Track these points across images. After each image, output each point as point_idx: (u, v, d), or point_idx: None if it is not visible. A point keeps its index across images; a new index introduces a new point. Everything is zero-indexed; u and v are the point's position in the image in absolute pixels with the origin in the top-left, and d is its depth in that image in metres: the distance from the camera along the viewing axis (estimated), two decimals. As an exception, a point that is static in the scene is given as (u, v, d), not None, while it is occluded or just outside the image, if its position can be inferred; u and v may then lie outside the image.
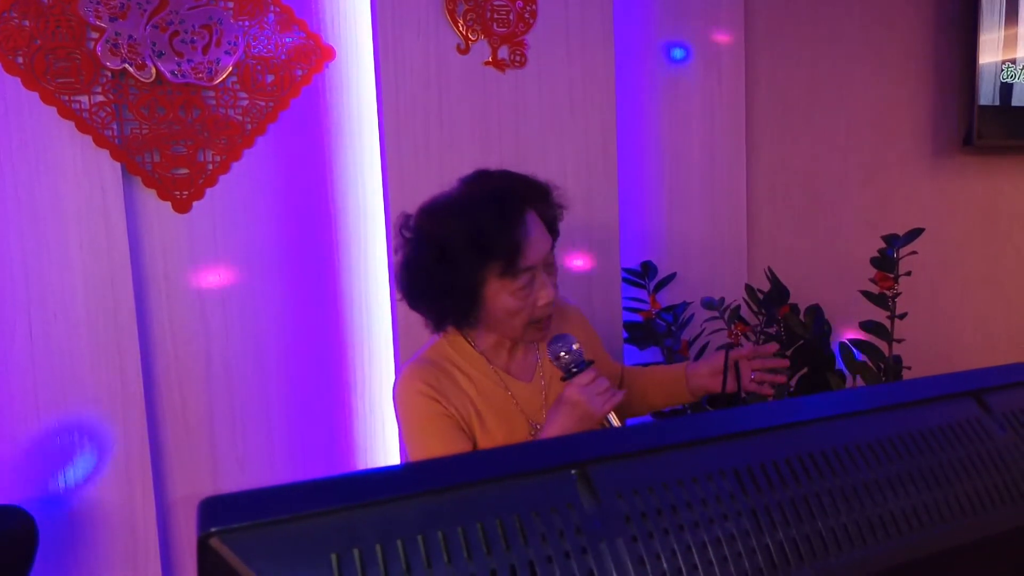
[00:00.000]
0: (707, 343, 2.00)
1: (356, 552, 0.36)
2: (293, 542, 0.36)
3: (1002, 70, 2.58)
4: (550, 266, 1.34)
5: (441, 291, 1.29)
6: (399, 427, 1.35)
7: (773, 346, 1.43)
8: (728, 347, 1.39)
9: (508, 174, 1.37)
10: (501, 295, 1.29)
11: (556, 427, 1.27)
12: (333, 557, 0.36)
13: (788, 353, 1.91)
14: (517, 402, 1.37)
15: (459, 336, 1.38)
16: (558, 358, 1.28)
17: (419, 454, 1.33)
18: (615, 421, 1.28)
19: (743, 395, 1.40)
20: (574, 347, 1.28)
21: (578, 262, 2.02)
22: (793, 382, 1.94)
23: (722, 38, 2.19)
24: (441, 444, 1.30)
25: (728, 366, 1.40)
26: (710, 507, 0.45)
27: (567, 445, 0.45)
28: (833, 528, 0.47)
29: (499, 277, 1.27)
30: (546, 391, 1.41)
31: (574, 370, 1.27)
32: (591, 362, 1.28)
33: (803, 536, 0.46)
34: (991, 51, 2.56)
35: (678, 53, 2.17)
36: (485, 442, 1.34)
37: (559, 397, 1.28)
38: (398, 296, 1.36)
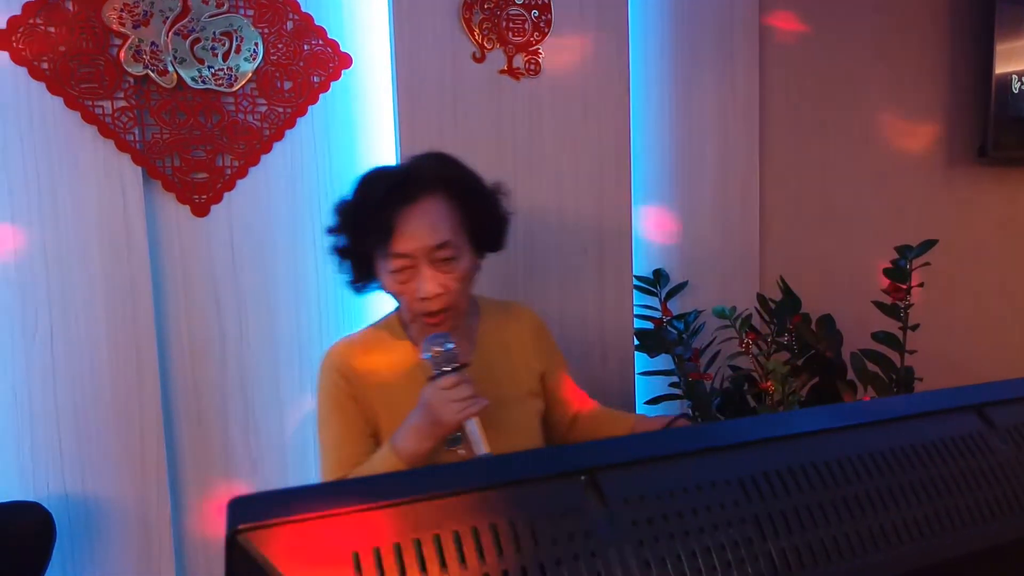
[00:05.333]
0: (718, 351, 2.00)
1: (374, 551, 0.38)
2: (316, 540, 0.38)
3: (1019, 80, 2.57)
4: (444, 262, 1.25)
5: (343, 254, 1.35)
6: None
7: None
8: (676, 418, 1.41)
9: (439, 158, 1.33)
10: (383, 273, 1.29)
11: (407, 428, 1.22)
12: (353, 555, 0.38)
13: (799, 363, 1.91)
14: None
15: (396, 320, 1.41)
16: (430, 354, 1.19)
17: (321, 431, 1.36)
18: (480, 433, 1.18)
19: None
20: (448, 347, 1.19)
21: (591, 269, 2.03)
22: (804, 392, 1.94)
23: (736, 46, 2.20)
24: (337, 429, 1.33)
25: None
26: (715, 514, 0.46)
27: (577, 452, 0.47)
28: (835, 537, 0.48)
29: (381, 256, 1.28)
30: None
31: (442, 371, 1.18)
32: (463, 366, 1.20)
33: (805, 544, 0.47)
34: (1007, 61, 2.55)
35: (692, 61, 2.18)
36: (390, 427, 1.30)
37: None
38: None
